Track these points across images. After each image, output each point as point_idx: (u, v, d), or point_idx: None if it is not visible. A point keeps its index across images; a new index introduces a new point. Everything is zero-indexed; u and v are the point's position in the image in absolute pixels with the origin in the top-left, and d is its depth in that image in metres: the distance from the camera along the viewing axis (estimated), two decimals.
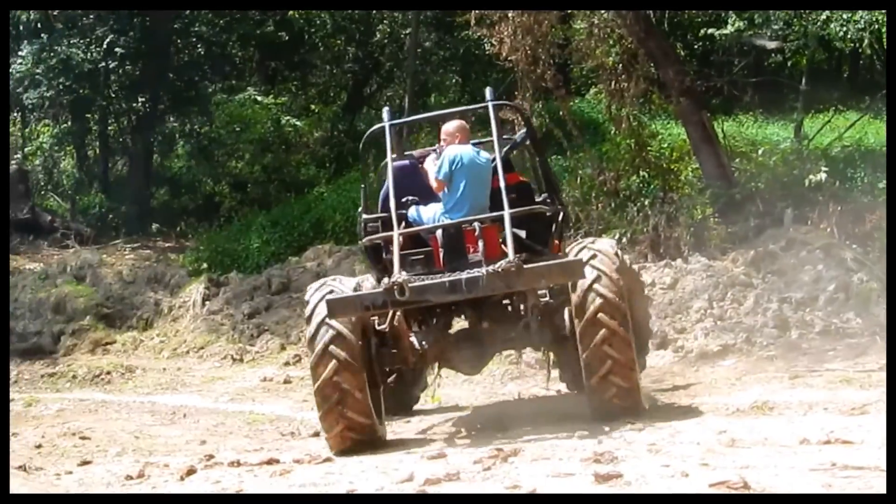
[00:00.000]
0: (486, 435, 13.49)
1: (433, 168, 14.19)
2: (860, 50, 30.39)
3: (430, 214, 14.01)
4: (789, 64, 30.89)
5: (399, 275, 12.49)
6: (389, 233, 13.52)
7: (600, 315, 12.58)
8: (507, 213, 13.33)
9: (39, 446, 16.12)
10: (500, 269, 12.51)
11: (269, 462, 13.39)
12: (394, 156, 14.45)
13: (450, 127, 14.26)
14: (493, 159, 13.87)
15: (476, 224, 13.48)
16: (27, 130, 33.06)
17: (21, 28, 31.09)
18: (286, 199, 29.65)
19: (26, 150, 32.67)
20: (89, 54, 30.34)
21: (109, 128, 32.80)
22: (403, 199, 14.25)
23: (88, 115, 32.55)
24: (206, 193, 30.34)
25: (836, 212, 20.76)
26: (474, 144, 14.57)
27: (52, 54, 30.39)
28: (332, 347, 12.51)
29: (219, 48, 32.42)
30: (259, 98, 31.65)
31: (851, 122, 27.81)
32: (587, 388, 13.12)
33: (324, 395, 12.68)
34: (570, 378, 15.14)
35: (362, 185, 15.06)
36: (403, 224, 14.10)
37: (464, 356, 13.93)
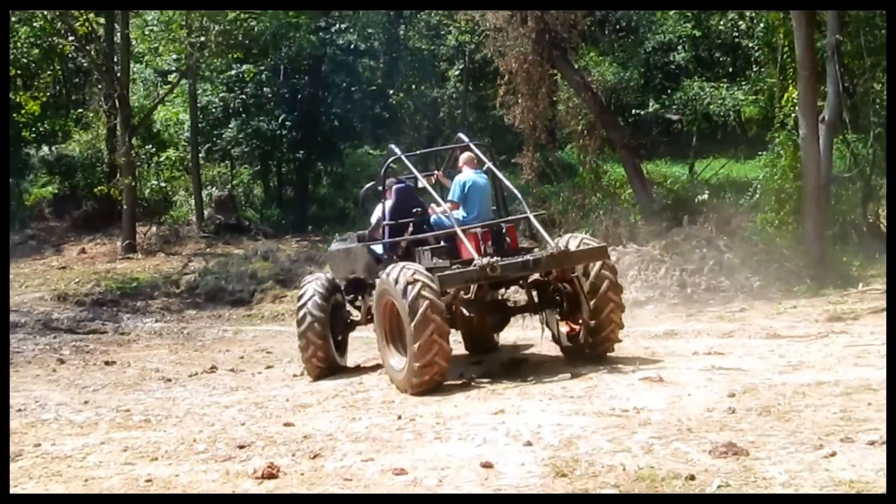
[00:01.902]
0: (508, 353, 13.45)
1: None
2: (728, 121, 30.19)
3: (451, 221, 12.07)
4: (685, 129, 30.65)
5: (487, 258, 11.00)
6: (451, 230, 11.77)
7: (604, 271, 11.35)
8: (531, 215, 12.30)
9: (242, 357, 16.18)
10: (555, 253, 11.20)
11: (378, 367, 13.42)
12: (395, 178, 13.15)
13: (464, 157, 12.68)
14: (490, 178, 12.68)
15: (502, 225, 12.29)
16: (234, 171, 33.10)
17: (230, 110, 31.26)
18: None
19: (234, 182, 32.74)
20: (270, 125, 30.43)
21: (283, 169, 32.83)
22: (414, 210, 12.77)
23: (270, 162, 32.58)
24: (340, 208, 30.29)
25: (713, 218, 20.61)
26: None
27: (248, 126, 30.50)
28: (431, 314, 10.47)
29: (347, 122, 32.39)
30: (371, 151, 31.60)
31: (722, 164, 27.64)
32: (592, 326, 11.45)
33: (426, 354, 10.43)
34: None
35: (383, 200, 12.67)
36: (412, 228, 12.57)
37: (494, 320, 12.77)
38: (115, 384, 13.84)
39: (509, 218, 12.85)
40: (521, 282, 12.30)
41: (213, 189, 31.94)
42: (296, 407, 10.92)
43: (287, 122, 30.75)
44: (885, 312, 14.37)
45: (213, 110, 31.61)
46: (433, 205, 12.75)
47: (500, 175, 12.92)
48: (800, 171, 18.78)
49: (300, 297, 13.05)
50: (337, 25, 30.95)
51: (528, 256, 11.45)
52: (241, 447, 8.60)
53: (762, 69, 27.51)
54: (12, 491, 7.62)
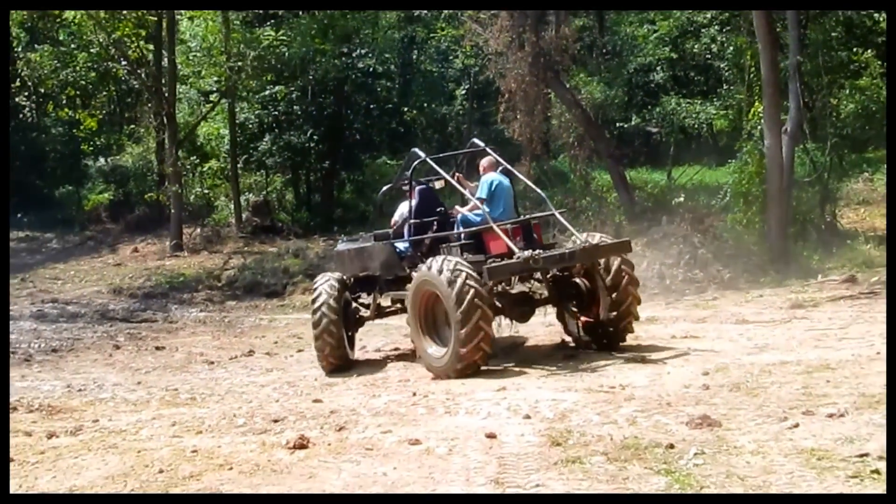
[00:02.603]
0: (508, 340, 13.41)
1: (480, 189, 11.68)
2: (701, 133, 30.12)
3: (480, 218, 11.40)
4: (663, 140, 30.57)
5: (529, 251, 10.41)
6: (486, 226, 11.00)
7: (623, 267, 10.89)
8: (557, 213, 11.78)
9: (276, 342, 16.11)
10: (588, 246, 10.65)
11: (395, 349, 13.40)
12: (421, 179, 12.42)
13: (485, 161, 11.97)
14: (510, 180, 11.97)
15: (533, 222, 11.58)
16: (268, 179, 33.06)
17: (264, 125, 31.20)
18: None
19: (268, 189, 32.70)
20: (300, 139, 30.34)
21: (311, 178, 32.74)
22: (438, 210, 12.13)
23: (300, 171, 32.46)
24: (361, 211, 30.17)
25: (689, 218, 20.47)
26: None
27: (281, 140, 30.44)
28: (478, 301, 9.94)
29: (367, 136, 32.31)
30: (388, 161, 31.51)
31: (696, 171, 27.58)
32: (612, 318, 10.96)
33: (472, 339, 9.91)
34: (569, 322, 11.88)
35: (409, 200, 12.07)
36: (436, 227, 11.94)
37: (521, 311, 11.68)
38: (165, 367, 13.86)
39: (537, 215, 12.20)
40: (541, 276, 11.46)
41: (250, 195, 31.92)
42: (323, 385, 10.95)
43: (314, 136, 30.70)
44: (841, 301, 14.35)
45: (250, 126, 31.55)
46: (456, 206, 12.21)
47: (520, 176, 12.40)
48: (765, 177, 18.73)
49: (314, 301, 12.16)
50: (358, 51, 30.92)
51: (564, 249, 10.84)
52: (276, 421, 8.61)
53: (731, 87, 27.45)
54: (74, 460, 7.64)
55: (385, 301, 12.98)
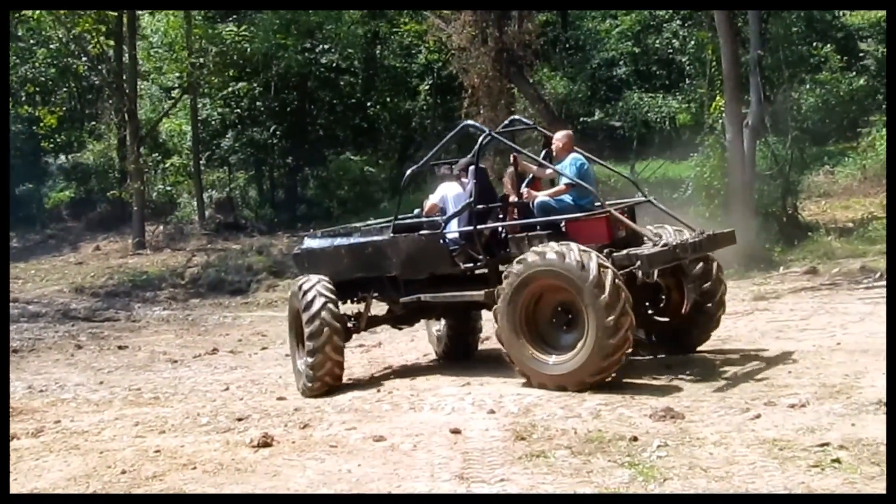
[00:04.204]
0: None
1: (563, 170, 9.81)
2: (664, 127, 30.24)
3: (564, 204, 9.59)
4: (627, 134, 30.67)
5: (672, 237, 9.20)
6: (602, 211, 9.32)
7: (709, 253, 9.59)
8: (654, 200, 10.55)
9: (240, 340, 16.03)
10: (710, 234, 9.44)
11: (360, 346, 13.35)
12: (432, 162, 10.59)
13: (564, 137, 10.01)
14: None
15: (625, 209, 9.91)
16: (231, 176, 32.83)
17: (227, 122, 30.99)
18: (369, 210, 29.17)
19: (231, 185, 32.48)
20: (263, 135, 30.26)
21: (275, 174, 32.57)
22: (501, 195, 10.26)
23: (264, 168, 32.29)
24: (326, 207, 30.01)
25: (651, 211, 20.55)
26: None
27: (244, 136, 30.33)
28: (620, 283, 8.22)
29: (331, 131, 32.22)
30: (352, 157, 31.34)
31: (659, 165, 27.70)
32: (706, 308, 9.64)
33: (620, 329, 8.19)
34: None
35: (475, 181, 9.68)
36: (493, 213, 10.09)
37: None
38: (128, 366, 13.74)
39: (635, 201, 10.61)
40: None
41: (213, 192, 31.74)
42: (288, 383, 10.87)
43: (278, 133, 30.60)
44: (803, 292, 14.48)
45: (212, 122, 31.37)
46: (527, 189, 10.11)
47: (595, 159, 10.99)
48: (727, 170, 18.88)
49: (309, 306, 9.71)
50: (321, 47, 30.81)
51: (694, 238, 9.31)
52: (240, 420, 8.58)
53: (693, 81, 27.67)
54: (36, 462, 7.55)
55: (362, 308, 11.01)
